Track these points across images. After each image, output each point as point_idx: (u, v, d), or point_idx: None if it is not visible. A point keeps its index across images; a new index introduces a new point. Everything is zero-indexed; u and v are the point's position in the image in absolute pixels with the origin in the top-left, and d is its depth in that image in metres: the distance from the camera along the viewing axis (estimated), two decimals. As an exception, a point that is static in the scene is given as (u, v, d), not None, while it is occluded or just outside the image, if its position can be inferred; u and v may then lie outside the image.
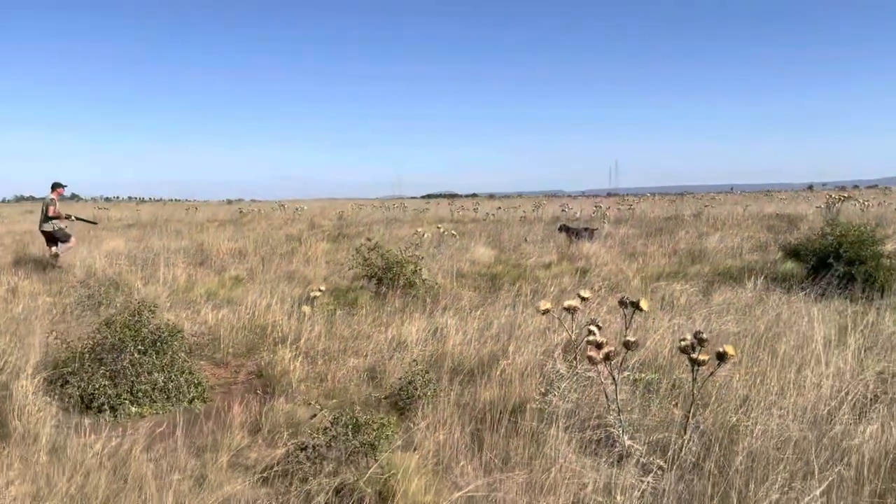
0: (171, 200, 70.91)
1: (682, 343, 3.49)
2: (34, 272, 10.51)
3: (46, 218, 11.60)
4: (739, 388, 4.20)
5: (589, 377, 4.62)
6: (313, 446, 3.31)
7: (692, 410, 3.57)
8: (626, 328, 5.04)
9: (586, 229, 14.41)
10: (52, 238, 11.75)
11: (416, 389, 4.31)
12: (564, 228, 14.49)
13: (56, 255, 11.54)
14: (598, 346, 3.54)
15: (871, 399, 3.92)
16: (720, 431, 3.64)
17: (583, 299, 4.74)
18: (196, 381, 4.82)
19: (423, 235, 13.21)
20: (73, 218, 12.17)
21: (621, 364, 4.92)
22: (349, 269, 8.64)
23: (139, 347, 4.62)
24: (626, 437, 3.65)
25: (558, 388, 4.37)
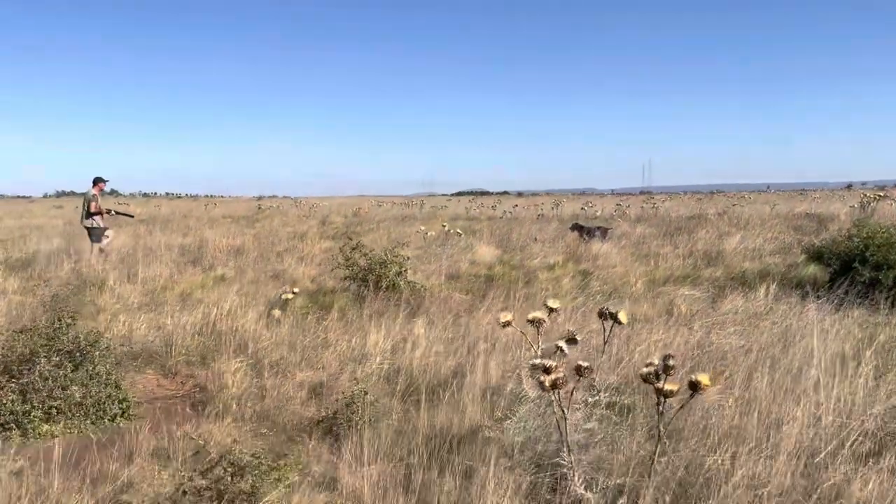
0: (207, 196, 71.28)
1: (645, 369, 2.88)
2: (22, 269, 10.19)
3: (88, 214, 11.40)
4: (727, 417, 3.57)
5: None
6: (194, 489, 2.78)
7: (657, 451, 2.96)
8: (605, 343, 4.45)
9: (599, 228, 13.73)
10: (91, 234, 11.54)
11: (354, 413, 3.77)
12: (576, 227, 13.83)
13: (101, 251, 11.36)
14: (546, 370, 2.95)
15: (881, 440, 3.26)
16: (695, 475, 3.03)
17: (550, 310, 4.14)
18: (121, 397, 4.33)
19: (427, 234, 12.67)
20: (112, 212, 12.06)
21: (594, 383, 4.34)
22: (331, 270, 8.12)
23: (54, 359, 4.14)
24: (579, 483, 3.05)
25: (516, 413, 3.79)
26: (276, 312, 6.59)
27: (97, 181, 11.57)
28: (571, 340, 4.46)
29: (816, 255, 8.58)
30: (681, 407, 2.99)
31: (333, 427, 3.83)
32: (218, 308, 6.85)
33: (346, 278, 7.72)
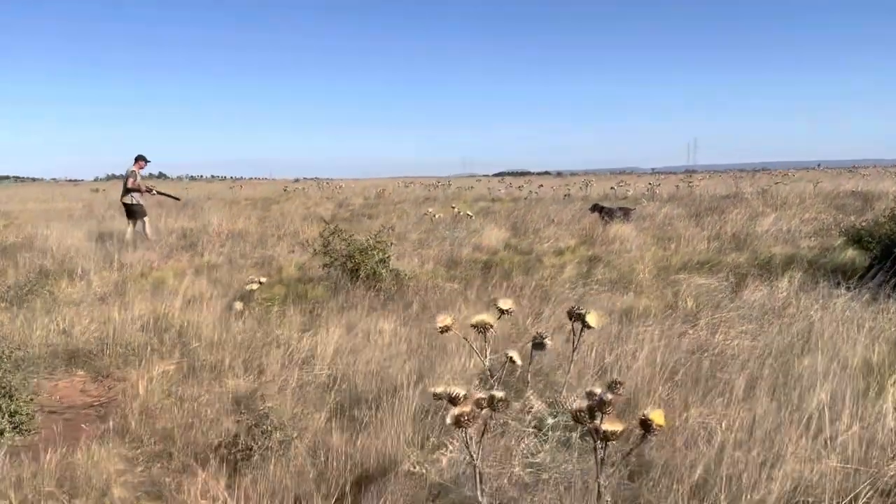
0: (251, 178, 71.73)
1: (576, 404, 2.15)
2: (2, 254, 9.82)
3: (126, 190, 11.18)
4: (712, 450, 2.82)
5: (506, 422, 3.33)
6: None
7: (596, 511, 2.24)
8: (574, 350, 3.72)
9: (622, 209, 12.85)
10: (130, 212, 11.32)
11: (255, 441, 3.13)
12: (597, 208, 12.97)
13: (143, 234, 11.23)
14: (451, 400, 2.26)
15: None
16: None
17: (501, 312, 3.43)
18: (12, 410, 3.77)
19: (434, 216, 11.98)
20: (154, 192, 11.77)
21: (559, 398, 3.62)
22: (312, 256, 7.49)
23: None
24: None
25: (451, 442, 3.10)
26: (238, 305, 6.01)
27: (138, 159, 11.33)
28: (539, 345, 3.76)
29: (855, 239, 7.65)
30: (630, 451, 2.27)
31: (229, 456, 3.19)
32: (182, 298, 6.32)
33: (325, 266, 7.10)
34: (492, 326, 3.24)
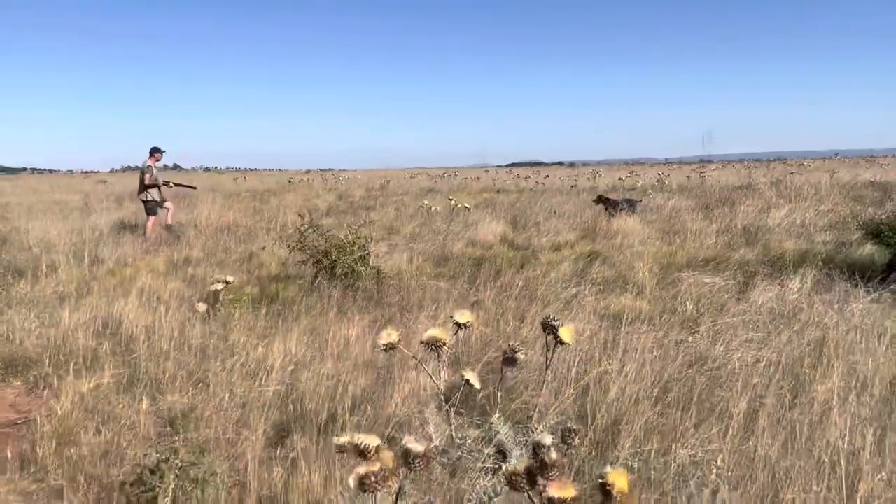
0: (265, 170, 71.60)
1: (513, 466, 1.65)
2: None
3: (143, 187, 10.86)
4: None
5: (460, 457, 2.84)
6: None
7: None
8: (547, 367, 3.22)
9: (628, 200, 12.29)
10: (147, 209, 11.06)
11: (161, 479, 2.66)
12: (602, 200, 12.41)
13: (169, 226, 11.01)
14: (361, 453, 1.77)
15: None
16: None
17: (459, 326, 2.93)
18: None
19: (430, 209, 11.48)
20: (171, 184, 11.46)
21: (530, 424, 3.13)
22: (289, 253, 7.01)
23: None
24: None
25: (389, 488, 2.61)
26: (201, 307, 5.55)
27: (153, 151, 10.95)
28: (510, 360, 3.26)
29: (874, 233, 7.10)
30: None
31: (131, 497, 2.72)
32: (145, 298, 5.89)
33: (301, 263, 6.63)
34: (444, 344, 2.75)
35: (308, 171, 56.95)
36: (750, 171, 24.78)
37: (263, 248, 7.07)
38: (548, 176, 23.95)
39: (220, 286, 5.70)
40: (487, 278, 6.83)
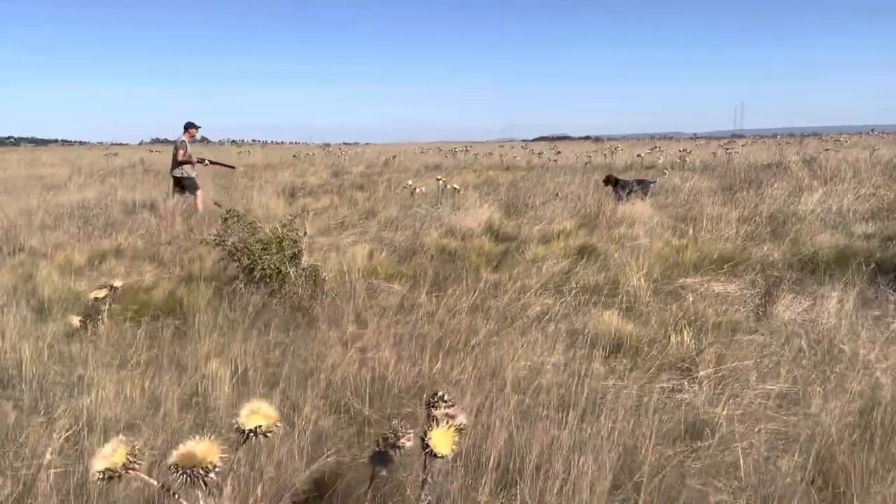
0: (293, 143, 70.56)
1: None
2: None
3: (176, 163, 10.07)
4: None
5: None
6: None
7: None
8: (422, 486, 2.04)
9: (640, 181, 10.94)
10: (180, 185, 10.21)
11: None
12: (611, 181, 11.08)
13: (196, 207, 10.02)
14: None
15: None
16: None
17: (245, 435, 1.74)
18: None
19: (415, 190, 10.27)
20: (206, 162, 10.51)
21: None
22: (212, 248, 5.84)
23: None
24: None
25: None
26: (75, 320, 4.45)
27: (188, 127, 10.15)
28: (383, 456, 2.09)
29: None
30: None
31: None
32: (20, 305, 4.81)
33: (221, 260, 5.49)
34: (213, 468, 1.56)
35: (327, 145, 55.84)
36: (781, 147, 23.08)
37: (202, 239, 5.93)
38: (559, 152, 22.43)
39: (101, 293, 4.57)
40: (453, 279, 5.65)
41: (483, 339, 3.97)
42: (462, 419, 1.85)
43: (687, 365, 3.45)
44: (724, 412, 2.83)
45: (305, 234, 5.39)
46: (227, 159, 15.01)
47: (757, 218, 8.42)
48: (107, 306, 4.60)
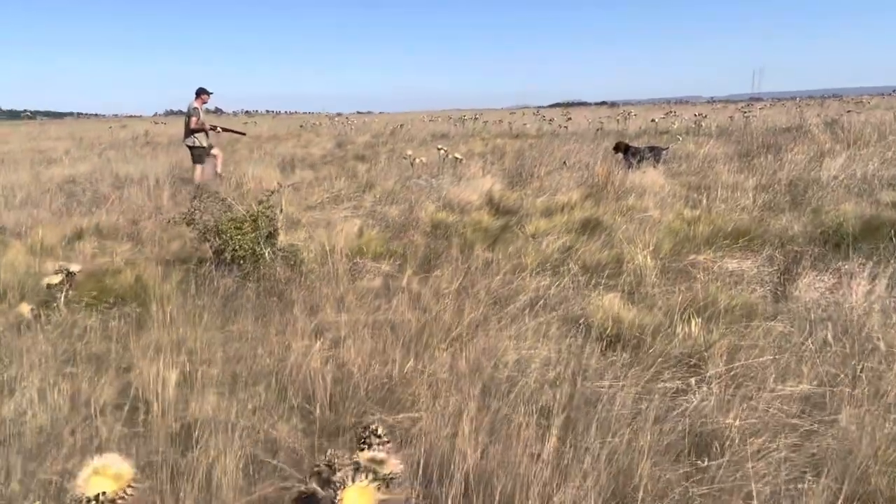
0: (307, 113, 69.91)
1: None
2: None
3: (189, 131, 9.74)
4: None
5: None
6: None
7: None
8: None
9: (651, 148, 10.41)
10: (193, 155, 9.94)
11: None
12: (621, 148, 10.55)
13: (219, 176, 9.91)
14: None
15: None
16: None
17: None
18: None
19: (414, 161, 9.81)
20: (218, 129, 10.30)
21: None
22: (186, 227, 5.42)
23: None
24: None
25: None
26: (24, 309, 4.09)
27: (199, 93, 9.81)
28: (309, 501, 1.70)
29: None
30: None
31: None
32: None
33: (193, 241, 5.11)
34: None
35: (339, 114, 55.23)
36: (801, 109, 22.26)
37: (172, 219, 5.37)
38: (570, 118, 21.75)
39: (56, 279, 4.21)
40: (443, 259, 5.24)
41: (466, 329, 3.56)
42: (393, 466, 1.47)
43: (694, 361, 3.02)
44: (737, 422, 2.41)
45: (282, 211, 4.98)
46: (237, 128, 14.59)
47: (775, 186, 7.91)
48: (63, 293, 4.25)
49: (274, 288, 4.60)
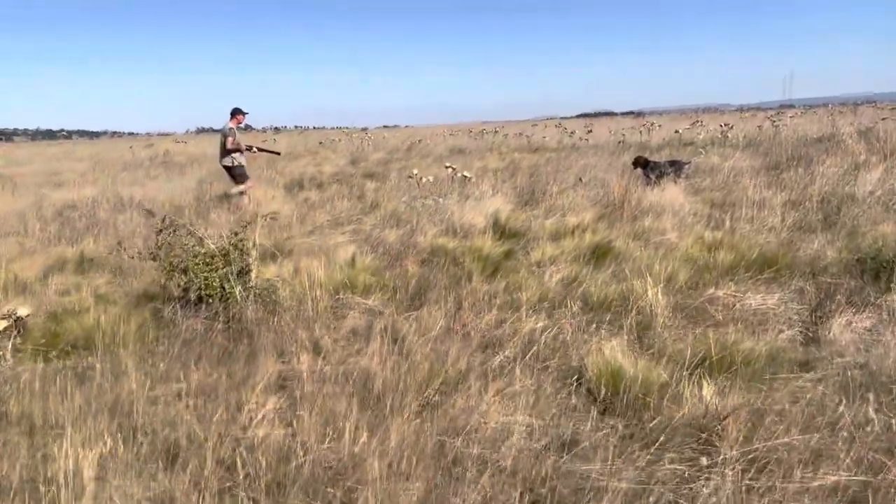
0: (335, 128, 70.17)
1: None
2: None
3: (225, 151, 9.61)
4: None
5: None
6: None
7: None
8: None
9: (673, 162, 9.87)
10: (231, 175, 9.80)
11: None
12: (641, 163, 10.01)
13: (242, 193, 9.66)
14: None
15: None
16: None
17: None
18: None
19: (421, 180, 9.37)
20: (254, 149, 10.08)
21: None
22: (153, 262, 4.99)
23: None
24: None
25: None
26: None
27: (234, 113, 9.68)
28: None
29: None
30: None
31: None
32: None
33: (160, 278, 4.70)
34: None
35: (365, 129, 55.22)
36: (833, 117, 21.41)
37: (138, 253, 4.83)
38: (591, 130, 21.13)
39: (1, 325, 3.83)
40: (437, 292, 4.78)
41: (444, 384, 3.10)
42: None
43: (706, 436, 2.50)
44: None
45: (255, 245, 4.54)
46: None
47: (806, 203, 7.31)
48: (10, 341, 3.87)
49: (246, 329, 4.18)
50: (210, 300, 4.27)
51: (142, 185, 12.37)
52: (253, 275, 4.42)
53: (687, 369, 3.06)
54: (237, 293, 4.29)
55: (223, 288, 4.28)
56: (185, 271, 4.30)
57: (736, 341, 3.31)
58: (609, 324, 3.94)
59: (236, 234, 4.56)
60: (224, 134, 9.64)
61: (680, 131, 18.01)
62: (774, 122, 18.93)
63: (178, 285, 4.43)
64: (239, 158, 9.66)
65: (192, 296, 4.20)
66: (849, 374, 2.96)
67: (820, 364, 3.25)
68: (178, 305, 4.35)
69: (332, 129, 69.88)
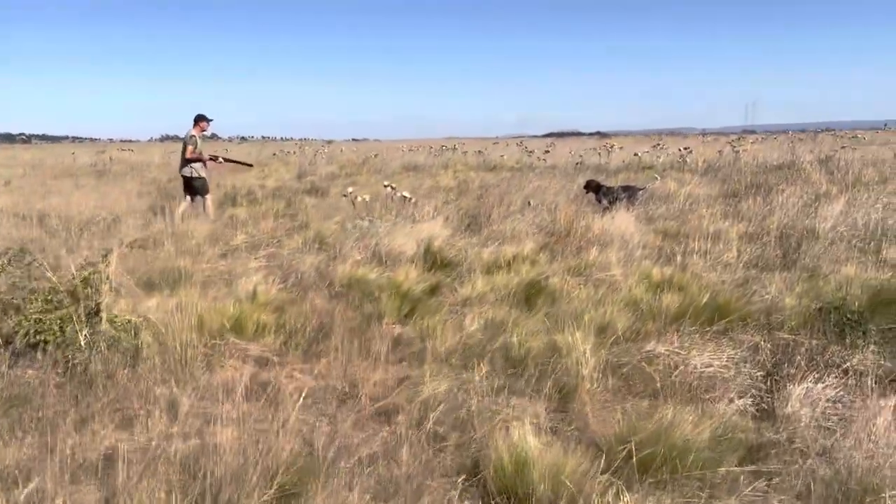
0: (304, 140, 68.78)
1: None
2: None
3: (185, 161, 8.75)
4: None
5: None
6: None
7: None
8: None
9: (626, 188, 9.32)
10: (189, 186, 8.86)
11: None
12: (592, 187, 9.44)
13: (203, 210, 8.92)
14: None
15: None
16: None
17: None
18: None
19: (357, 199, 8.64)
20: (220, 160, 9.28)
21: None
22: None
23: None
24: None
25: None
26: None
27: (198, 120, 8.82)
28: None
29: None
30: None
31: None
32: None
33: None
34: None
35: (330, 142, 54.31)
36: (794, 144, 21.28)
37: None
38: (548, 151, 20.62)
39: None
40: (339, 336, 4.05)
41: (299, 480, 2.37)
42: None
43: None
44: None
45: (108, 280, 3.76)
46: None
47: (764, 237, 6.77)
48: None
49: (94, 383, 3.40)
50: (46, 346, 3.48)
51: (66, 196, 11.38)
52: (104, 315, 3.63)
53: (608, 464, 2.38)
54: (81, 338, 3.50)
55: (63, 332, 3.49)
56: (17, 310, 3.51)
57: (673, 424, 2.63)
58: (529, 386, 3.26)
59: (91, 264, 3.78)
60: (185, 142, 8.84)
61: (640, 154, 17.59)
62: (735, 147, 18.65)
63: (12, 328, 3.62)
64: (200, 170, 8.84)
65: (19, 342, 3.40)
66: (811, 474, 2.31)
67: (774, 452, 2.62)
68: (5, 353, 3.54)
69: (299, 140, 68.89)
